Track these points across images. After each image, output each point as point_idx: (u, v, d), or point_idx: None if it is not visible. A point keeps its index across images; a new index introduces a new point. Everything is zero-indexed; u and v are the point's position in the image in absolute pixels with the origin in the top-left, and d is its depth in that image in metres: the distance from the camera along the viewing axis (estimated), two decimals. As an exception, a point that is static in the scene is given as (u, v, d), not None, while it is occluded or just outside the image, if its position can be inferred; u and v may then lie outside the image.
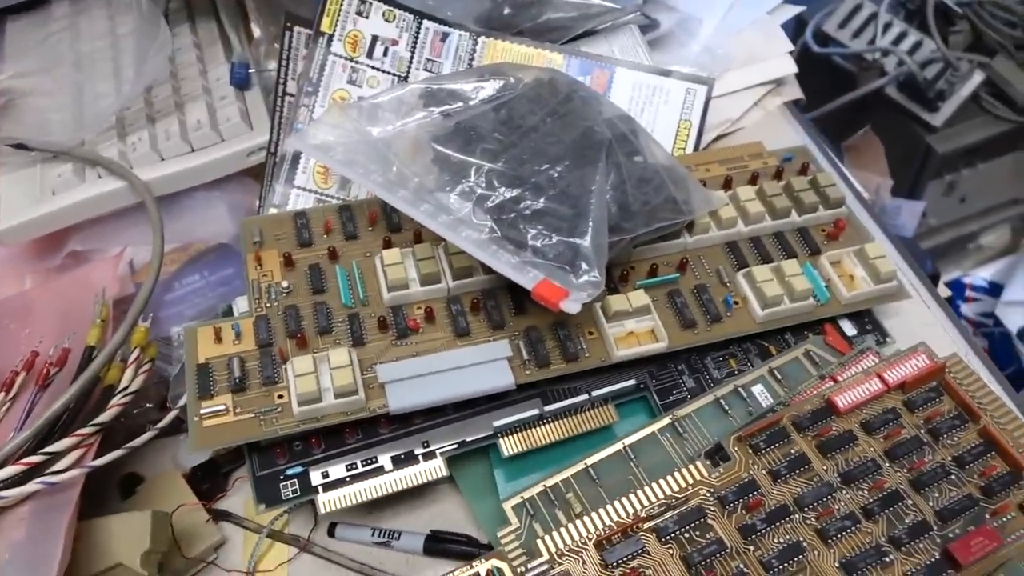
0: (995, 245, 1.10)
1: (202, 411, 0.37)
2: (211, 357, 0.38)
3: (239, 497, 0.44)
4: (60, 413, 0.36)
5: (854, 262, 0.44)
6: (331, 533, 0.42)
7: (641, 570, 0.33)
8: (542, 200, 0.38)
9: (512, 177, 0.39)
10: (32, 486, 0.34)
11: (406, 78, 0.50)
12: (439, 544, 0.40)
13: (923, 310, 0.47)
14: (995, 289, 1.03)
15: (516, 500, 0.37)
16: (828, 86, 1.00)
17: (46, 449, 0.35)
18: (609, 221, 0.38)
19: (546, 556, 0.34)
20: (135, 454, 0.45)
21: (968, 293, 1.04)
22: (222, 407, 0.37)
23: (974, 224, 1.07)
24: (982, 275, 1.05)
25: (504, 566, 0.33)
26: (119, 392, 0.39)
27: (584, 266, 0.36)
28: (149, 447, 0.45)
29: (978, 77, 0.96)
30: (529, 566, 0.33)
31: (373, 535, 0.41)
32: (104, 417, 0.37)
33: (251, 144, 0.49)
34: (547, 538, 0.34)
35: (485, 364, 0.39)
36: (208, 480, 0.44)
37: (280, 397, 0.37)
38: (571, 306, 0.34)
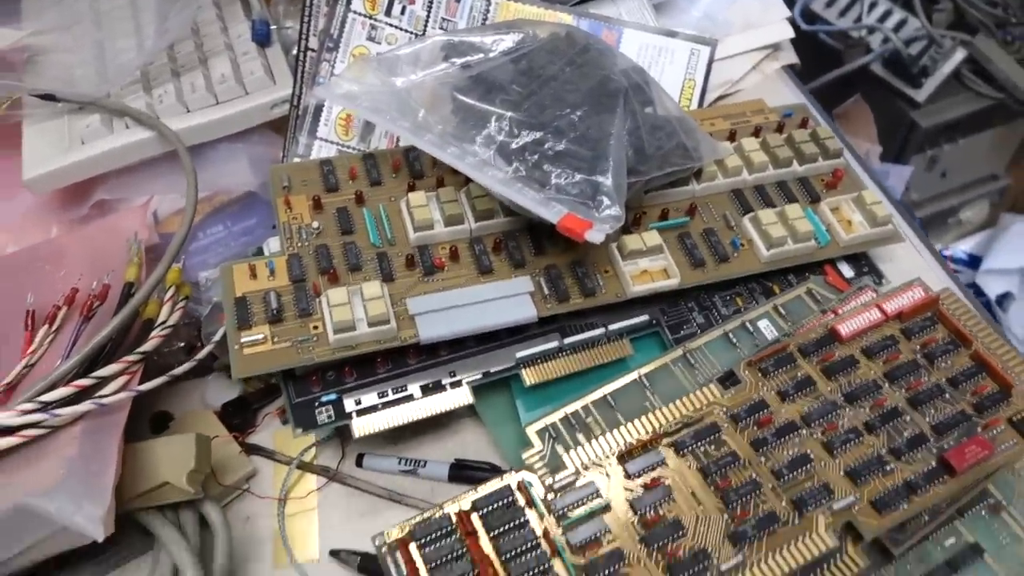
0: (974, 220, 1.13)
1: (242, 340, 0.39)
2: (248, 291, 0.40)
3: (268, 432, 0.46)
4: (106, 341, 0.38)
5: (852, 208, 0.47)
6: (359, 463, 0.44)
7: (662, 480, 0.35)
8: (563, 143, 0.40)
9: (533, 123, 0.41)
10: (84, 406, 0.36)
11: (422, 36, 0.52)
12: (463, 472, 0.43)
13: (915, 256, 0.50)
14: (975, 261, 1.06)
15: (539, 425, 0.39)
16: (815, 64, 1.03)
17: (94, 373, 0.37)
18: (626, 164, 0.41)
19: (571, 469, 0.36)
20: (165, 394, 0.47)
21: (949, 265, 1.08)
22: (260, 336, 0.39)
23: (954, 199, 1.11)
24: (962, 248, 1.08)
25: (533, 478, 0.36)
26: (158, 326, 0.41)
27: (606, 201, 0.38)
28: (178, 388, 0.48)
29: (960, 54, 0.99)
30: (556, 477, 0.35)
31: (400, 464, 0.43)
32: (146, 347, 0.39)
33: (274, 97, 0.50)
34: (571, 453, 0.36)
35: (509, 298, 0.41)
36: (238, 416, 0.46)
37: (315, 328, 0.39)
38: (595, 236, 0.37)
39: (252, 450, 0.45)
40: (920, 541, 0.36)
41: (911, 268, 0.49)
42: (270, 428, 0.47)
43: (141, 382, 0.39)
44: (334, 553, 0.41)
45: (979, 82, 1.01)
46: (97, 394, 0.36)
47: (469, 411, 0.45)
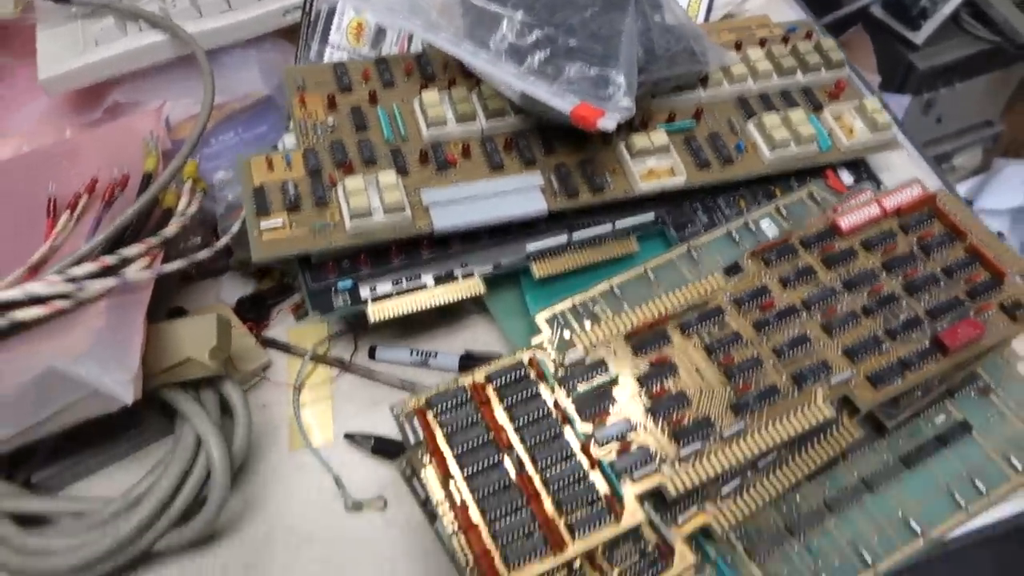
0: (967, 166, 1.15)
1: (261, 226, 0.40)
2: (265, 181, 0.41)
3: (282, 328, 0.48)
4: (129, 222, 0.39)
5: (853, 115, 0.48)
6: (372, 355, 0.46)
7: (667, 357, 0.37)
8: (574, 40, 0.41)
9: (544, 23, 0.42)
10: (110, 280, 0.37)
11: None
12: (472, 363, 0.44)
13: (912, 167, 0.52)
14: (966, 204, 1.08)
15: (548, 313, 0.40)
16: (816, 5, 1.03)
17: (118, 252, 0.38)
18: (636, 62, 0.42)
19: (580, 348, 0.37)
20: (181, 293, 0.48)
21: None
22: (279, 222, 0.40)
23: (949, 145, 1.12)
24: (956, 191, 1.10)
25: (544, 355, 0.37)
26: (177, 215, 0.42)
27: (617, 93, 0.39)
28: (193, 287, 0.49)
29: (960, -4, 1.00)
30: (566, 356, 0.37)
31: (411, 355, 0.45)
32: (167, 231, 0.40)
33: (287, 3, 0.51)
34: (580, 334, 0.38)
35: (520, 192, 0.42)
36: (253, 311, 0.47)
37: (332, 216, 0.40)
38: (607, 123, 0.38)
39: (267, 344, 0.47)
40: (912, 417, 0.38)
41: (908, 177, 0.50)
42: (284, 324, 0.48)
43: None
44: (348, 436, 0.43)
45: (977, 26, 1.02)
46: (121, 272, 0.37)
47: (479, 306, 0.47)
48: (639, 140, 0.44)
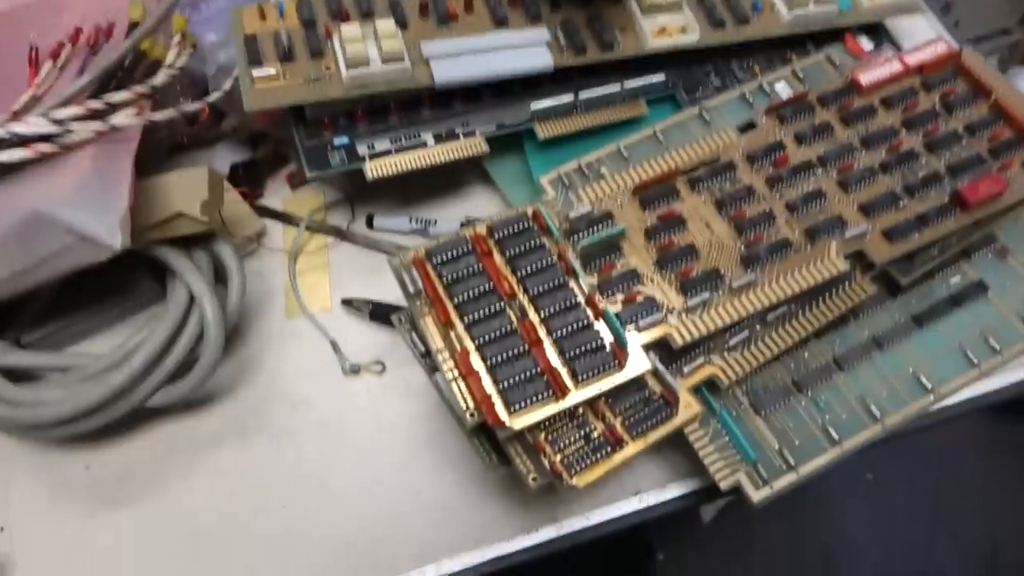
0: (982, 77, 1.11)
1: (253, 74, 0.38)
2: (258, 30, 0.39)
3: (278, 196, 0.46)
4: (115, 67, 0.37)
5: (876, -22, 0.46)
6: (369, 223, 0.44)
7: (677, 211, 0.35)
8: None
9: None
10: (97, 124, 0.35)
11: None
12: (474, 229, 0.43)
13: (933, 34, 0.49)
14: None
15: (552, 175, 0.39)
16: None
17: (105, 98, 0.36)
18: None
19: (587, 202, 0.36)
20: (170, 162, 0.47)
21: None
22: (272, 71, 0.38)
23: (964, 53, 1.09)
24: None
25: (548, 208, 0.36)
26: (166, 66, 0.40)
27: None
28: (185, 156, 0.47)
29: None
30: (571, 211, 0.35)
31: (410, 223, 0.43)
32: (156, 80, 0.38)
33: None
34: (587, 188, 0.36)
35: (526, 46, 0.40)
36: (247, 178, 0.46)
37: (327, 67, 0.38)
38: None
39: (263, 213, 0.45)
40: (927, 277, 0.37)
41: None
42: (280, 194, 0.47)
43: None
44: (346, 302, 0.42)
45: (1001, -75, 0.97)
46: (108, 117, 0.36)
47: (481, 174, 0.45)
48: (651, -6, 0.41)
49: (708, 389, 0.34)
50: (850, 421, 0.34)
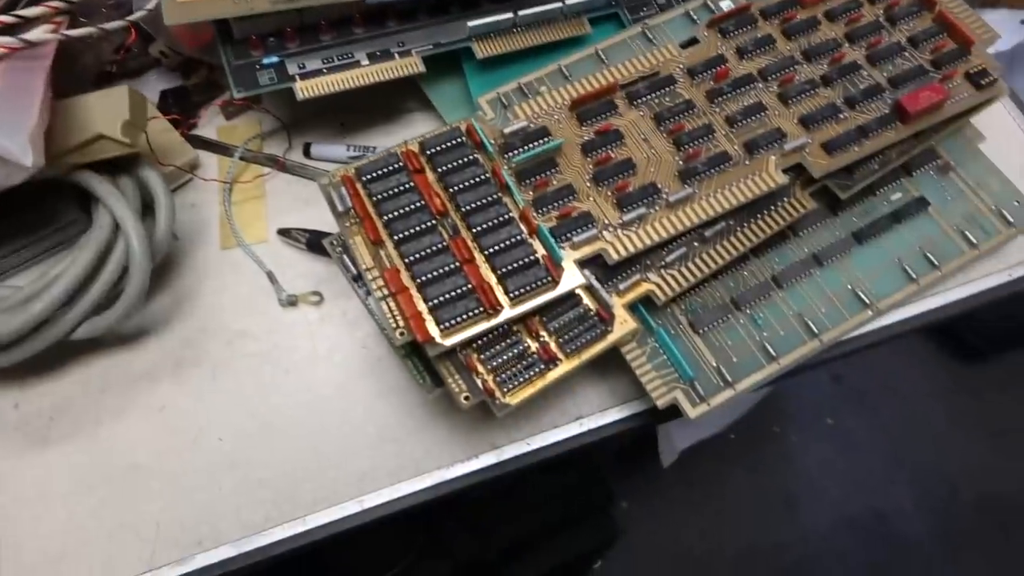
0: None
1: (174, -12, 0.36)
2: (179, -55, 0.37)
3: (213, 126, 0.45)
4: (25, -19, 0.35)
5: None
6: (307, 152, 0.43)
7: (614, 127, 0.35)
8: None
9: None
10: (7, 39, 0.33)
11: None
12: (414, 157, 0.41)
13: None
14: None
15: (491, 95, 0.38)
16: None
17: (16, 11, 0.34)
18: None
19: (523, 118, 0.35)
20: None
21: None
22: (194, -14, 0.36)
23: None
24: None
25: (482, 124, 0.35)
26: (83, -15, 0.38)
27: None
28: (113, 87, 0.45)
29: None
30: (507, 128, 0.34)
31: (348, 151, 0.42)
32: (72, -4, 0.36)
33: None
34: (524, 104, 0.35)
35: (461, -39, 0.39)
36: (178, 106, 0.44)
37: (253, -18, 0.37)
38: None
39: (196, 143, 0.44)
40: (867, 194, 0.36)
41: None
42: (215, 123, 0.45)
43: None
44: (282, 232, 0.41)
45: None
46: (20, 33, 0.34)
47: (422, 102, 0.44)
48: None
49: (647, 308, 0.33)
50: (788, 337, 0.33)
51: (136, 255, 0.35)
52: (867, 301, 0.34)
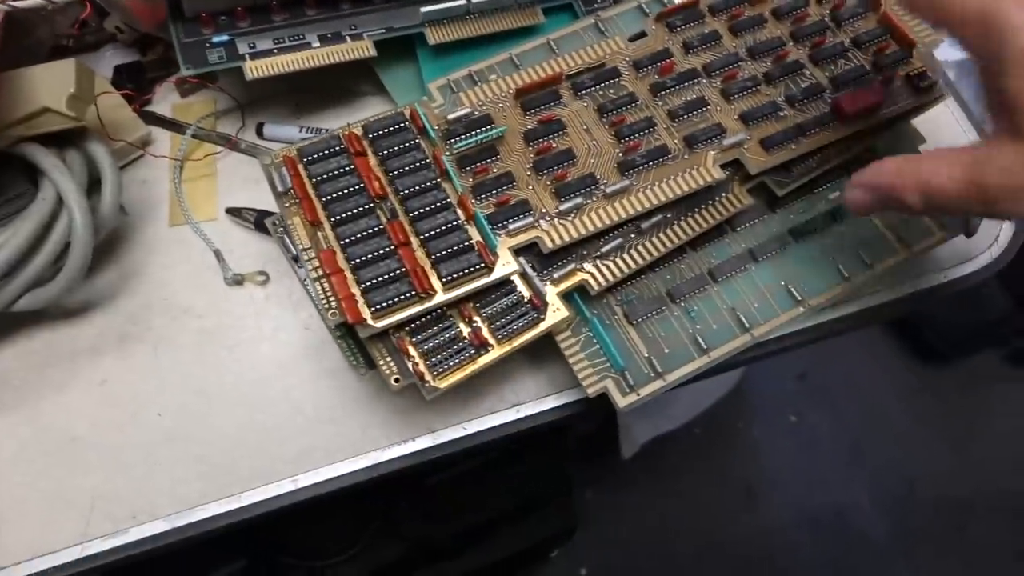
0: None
1: (123, -37, 0.36)
2: (131, -81, 0.37)
3: (167, 103, 0.45)
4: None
5: None
6: (259, 132, 0.43)
7: (557, 116, 0.35)
8: None
9: None
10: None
11: None
12: (366, 140, 0.42)
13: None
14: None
15: (441, 82, 0.38)
16: None
17: (-41, -19, 0.34)
18: None
19: (467, 105, 0.35)
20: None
21: None
22: (144, -39, 0.36)
23: None
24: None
25: (426, 109, 0.35)
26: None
27: None
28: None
29: None
30: (451, 113, 0.35)
31: (301, 131, 0.42)
32: (20, -34, 0.36)
33: None
34: (469, 92, 0.36)
35: (415, -56, 0.39)
36: (132, 81, 0.44)
37: (204, -43, 0.37)
38: None
39: (149, 119, 0.44)
40: (806, 192, 0.37)
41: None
42: (169, 100, 0.45)
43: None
44: (231, 211, 0.41)
45: None
46: (-37, 2, 0.34)
47: (375, 85, 0.44)
48: (548, -102, 0.40)
49: (582, 298, 0.34)
50: (720, 331, 0.34)
51: (78, 229, 0.35)
52: (799, 297, 0.35)
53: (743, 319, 0.34)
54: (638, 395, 0.33)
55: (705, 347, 0.33)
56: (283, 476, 0.35)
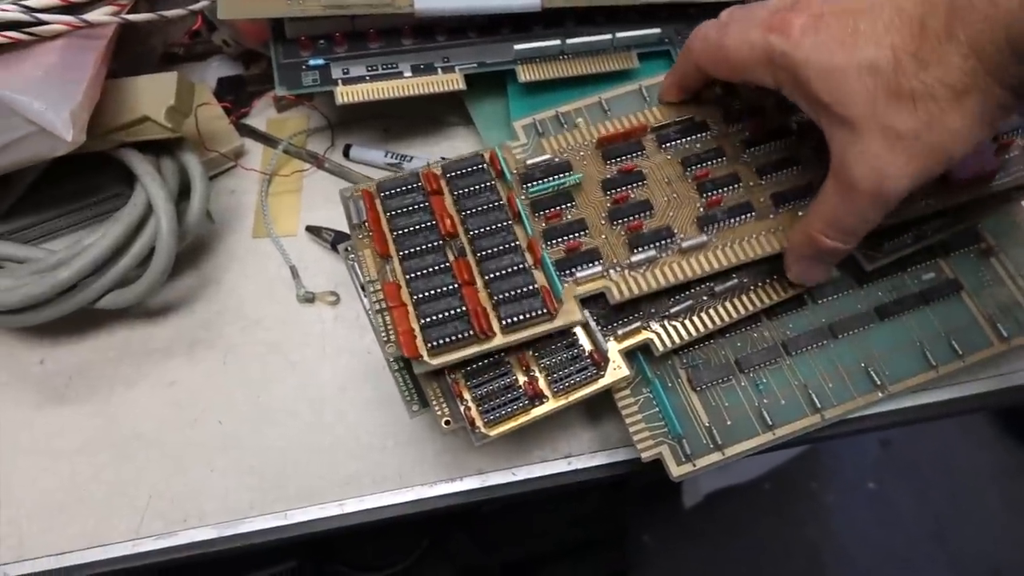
0: None
1: (232, -15, 0.37)
2: (242, -58, 0.38)
3: (262, 118, 0.46)
4: (96, -36, 0.37)
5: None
6: (346, 153, 0.44)
7: (638, 168, 0.34)
8: None
9: None
10: (69, 17, 0.35)
11: None
12: (448, 170, 0.42)
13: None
14: None
15: (527, 120, 0.37)
16: None
17: (82, -8, 0.36)
18: None
19: (548, 151, 0.35)
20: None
21: None
22: (249, -17, 0.37)
23: None
24: None
25: (506, 153, 0.35)
26: (153, -28, 0.39)
27: None
28: (177, 69, 0.47)
29: None
30: (532, 158, 0.34)
31: (386, 156, 0.43)
32: (140, -15, 0.38)
33: None
34: (553, 138, 0.35)
35: (514, -16, 0.39)
36: (232, 94, 0.45)
37: (308, -14, 0.38)
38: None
39: (245, 132, 0.45)
40: (898, 270, 0.34)
41: None
42: (263, 115, 0.46)
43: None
44: (311, 229, 0.41)
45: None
46: (82, 13, 0.36)
47: (463, 116, 0.44)
48: (654, -59, 0.39)
49: (646, 358, 0.33)
50: (788, 407, 0.32)
51: (164, 236, 0.36)
52: (878, 382, 0.32)
53: (815, 398, 0.32)
54: (694, 466, 0.31)
55: (771, 423, 0.32)
56: (331, 499, 0.35)
